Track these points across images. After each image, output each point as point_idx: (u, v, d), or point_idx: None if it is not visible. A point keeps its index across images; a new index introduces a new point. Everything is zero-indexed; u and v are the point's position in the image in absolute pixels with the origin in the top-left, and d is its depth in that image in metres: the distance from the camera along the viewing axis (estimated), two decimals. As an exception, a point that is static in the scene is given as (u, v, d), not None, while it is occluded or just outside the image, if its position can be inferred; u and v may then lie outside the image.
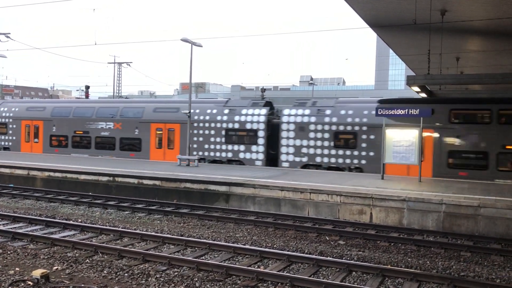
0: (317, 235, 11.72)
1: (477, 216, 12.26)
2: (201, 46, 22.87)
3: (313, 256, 9.20)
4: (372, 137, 20.38)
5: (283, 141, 22.11)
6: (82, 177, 17.79)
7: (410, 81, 15.21)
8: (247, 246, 9.99)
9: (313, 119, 21.62)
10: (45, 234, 10.66)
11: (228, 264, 8.60)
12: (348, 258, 9.52)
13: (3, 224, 11.79)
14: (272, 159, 22.98)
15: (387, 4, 13.82)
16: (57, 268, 8.18)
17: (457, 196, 13.20)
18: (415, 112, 16.41)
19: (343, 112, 21.21)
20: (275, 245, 10.51)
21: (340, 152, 20.98)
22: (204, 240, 10.35)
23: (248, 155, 22.96)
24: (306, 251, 10.02)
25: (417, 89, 16.63)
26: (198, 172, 18.32)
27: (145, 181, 16.65)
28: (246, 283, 7.75)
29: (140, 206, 14.86)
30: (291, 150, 21.95)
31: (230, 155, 23.27)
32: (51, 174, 18.44)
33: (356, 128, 20.69)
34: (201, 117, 23.90)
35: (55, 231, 11.19)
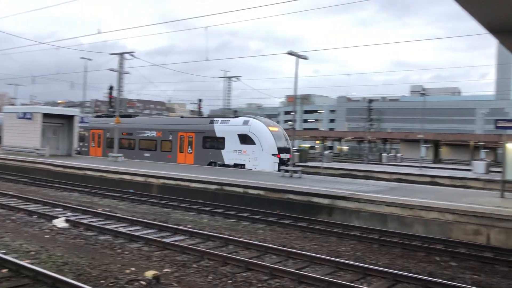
0: (426, 255, 11.04)
1: None
2: (307, 59, 23.01)
3: (421, 277, 8.68)
4: None
5: None
6: (193, 185, 18.79)
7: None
8: (350, 262, 9.74)
9: None
10: (158, 237, 11.38)
11: (330, 278, 8.46)
12: (461, 282, 8.82)
13: (123, 226, 12.86)
14: None
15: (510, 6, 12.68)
16: (167, 271, 8.70)
17: None
18: None
19: None
20: (379, 263, 10.12)
21: None
22: (306, 253, 10.31)
23: None
24: (413, 271, 9.49)
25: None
26: (301, 183, 18.35)
27: (250, 191, 17.09)
28: (347, 300, 7.56)
29: (245, 214, 15.27)
30: None
31: None
32: (166, 181, 19.75)
33: None
34: None
35: (166, 235, 11.91)
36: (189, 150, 30.50)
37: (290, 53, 22.07)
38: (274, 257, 10.17)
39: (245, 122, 28.48)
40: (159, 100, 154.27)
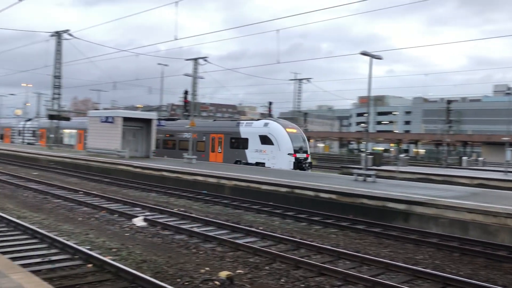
0: (514, 267, 10.26)
1: None
2: (381, 59, 22.37)
3: (508, 290, 8.08)
4: None
5: None
6: (264, 187, 18.91)
7: None
8: (428, 270, 9.29)
9: None
10: (230, 238, 11.55)
11: (407, 287, 8.12)
12: (555, 298, 8.10)
13: (198, 226, 13.21)
14: None
15: None
16: (240, 272, 8.80)
17: None
18: None
19: None
20: (460, 272, 9.56)
21: None
22: (381, 259, 9.98)
23: None
24: (499, 283, 8.86)
25: None
26: (374, 188, 17.83)
27: (322, 194, 16.87)
28: (426, 311, 7.20)
29: (316, 218, 15.09)
30: None
31: None
32: (237, 183, 20.05)
33: None
34: None
35: (239, 237, 12.05)
36: (219, 150, 33.44)
37: (364, 53, 21.57)
38: (348, 262, 9.95)
39: (265, 124, 31.11)
40: (230, 104, 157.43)
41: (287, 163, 29.11)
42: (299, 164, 29.38)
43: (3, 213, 13.33)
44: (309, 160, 30.77)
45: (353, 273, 8.79)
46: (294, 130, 31.45)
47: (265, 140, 30.21)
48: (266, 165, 29.58)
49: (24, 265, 7.93)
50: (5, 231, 11.40)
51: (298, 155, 29.64)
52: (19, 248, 9.76)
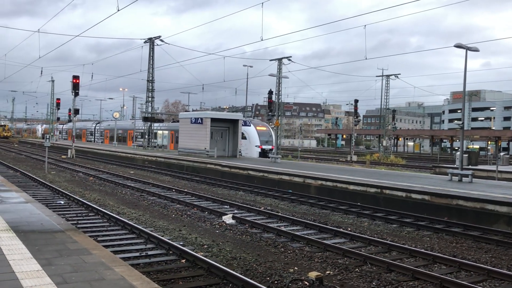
0: None
1: None
2: (478, 51, 20.88)
3: None
4: None
5: None
6: (351, 187, 18.51)
7: None
8: (537, 280, 8.49)
9: None
10: (318, 238, 11.42)
11: (513, 297, 7.49)
12: None
13: (284, 225, 13.25)
14: None
15: None
16: (329, 273, 8.66)
17: None
18: None
19: None
20: None
21: None
22: (482, 265, 9.30)
23: None
24: None
25: None
26: (472, 188, 16.71)
27: (413, 195, 16.14)
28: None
29: (408, 220, 14.47)
30: None
31: None
32: (323, 183, 19.82)
33: None
34: None
35: (327, 237, 11.89)
36: None
37: (458, 46, 20.28)
38: (444, 267, 9.41)
39: (244, 124, 38.42)
40: (314, 103, 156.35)
41: (255, 152, 39.01)
42: (264, 154, 38.73)
43: (104, 209, 14.38)
44: (274, 151, 38.32)
45: (450, 279, 8.28)
46: (264, 128, 41.47)
47: (242, 135, 37.77)
48: (242, 154, 37.34)
49: (124, 259, 8.47)
50: (107, 226, 12.28)
51: (264, 146, 39.79)
52: (119, 242, 10.45)
